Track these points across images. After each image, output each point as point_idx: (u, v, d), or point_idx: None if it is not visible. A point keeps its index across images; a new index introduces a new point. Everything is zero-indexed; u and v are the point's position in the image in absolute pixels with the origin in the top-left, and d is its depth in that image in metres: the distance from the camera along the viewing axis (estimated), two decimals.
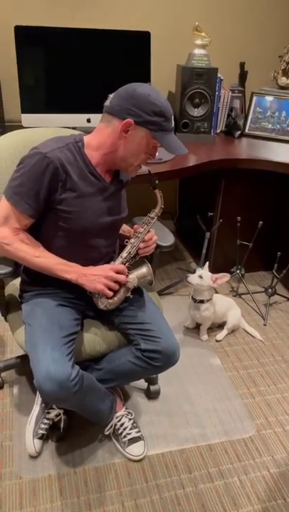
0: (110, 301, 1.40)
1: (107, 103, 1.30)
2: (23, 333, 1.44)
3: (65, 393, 1.25)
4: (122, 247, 1.49)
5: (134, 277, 1.41)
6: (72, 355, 1.32)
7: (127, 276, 1.39)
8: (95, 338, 1.48)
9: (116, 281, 1.36)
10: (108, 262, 1.46)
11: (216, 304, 2.15)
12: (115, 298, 1.40)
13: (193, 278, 2.05)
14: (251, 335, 2.25)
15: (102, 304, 1.40)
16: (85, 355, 1.45)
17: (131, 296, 1.43)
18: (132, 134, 1.27)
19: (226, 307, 2.22)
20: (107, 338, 1.50)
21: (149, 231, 1.43)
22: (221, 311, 2.19)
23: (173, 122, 1.33)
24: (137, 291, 1.51)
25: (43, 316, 1.37)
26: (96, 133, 1.34)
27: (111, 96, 1.30)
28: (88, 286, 1.34)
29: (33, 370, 1.27)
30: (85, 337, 1.47)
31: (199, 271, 2.07)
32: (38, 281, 1.43)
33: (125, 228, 1.59)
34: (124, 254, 1.42)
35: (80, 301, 1.45)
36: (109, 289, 1.35)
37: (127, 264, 1.42)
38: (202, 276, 2.04)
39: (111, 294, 1.36)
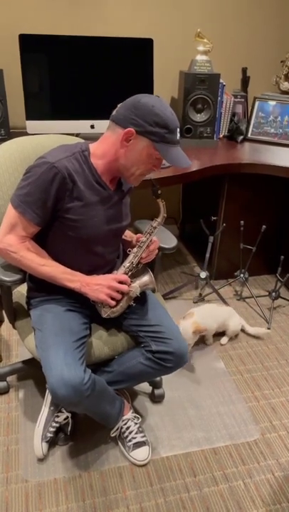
0: (113, 309, 1.41)
1: (114, 112, 1.31)
2: (33, 339, 1.45)
3: (78, 397, 1.27)
4: (125, 252, 1.50)
5: (136, 286, 1.41)
6: (84, 359, 1.34)
7: (130, 285, 1.40)
8: (104, 341, 1.49)
9: (118, 291, 1.37)
10: (113, 268, 1.47)
11: (215, 317, 2.14)
12: (118, 307, 1.41)
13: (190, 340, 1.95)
14: (255, 336, 2.25)
15: (105, 313, 1.42)
16: (95, 358, 1.46)
17: (133, 304, 1.45)
18: (134, 143, 1.27)
19: (226, 316, 2.19)
20: (115, 340, 1.51)
21: (151, 240, 1.44)
22: (221, 321, 2.17)
23: (178, 135, 1.30)
24: (144, 294, 1.52)
25: (54, 321, 1.39)
26: (101, 141, 1.35)
27: (119, 106, 1.30)
28: (91, 295, 1.35)
29: (45, 374, 1.28)
30: (93, 340, 1.48)
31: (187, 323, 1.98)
32: (43, 287, 1.44)
33: (128, 234, 1.60)
34: (127, 264, 1.43)
35: (85, 306, 1.47)
36: (112, 298, 1.36)
37: (129, 273, 1.43)
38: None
39: (113, 303, 1.38)
